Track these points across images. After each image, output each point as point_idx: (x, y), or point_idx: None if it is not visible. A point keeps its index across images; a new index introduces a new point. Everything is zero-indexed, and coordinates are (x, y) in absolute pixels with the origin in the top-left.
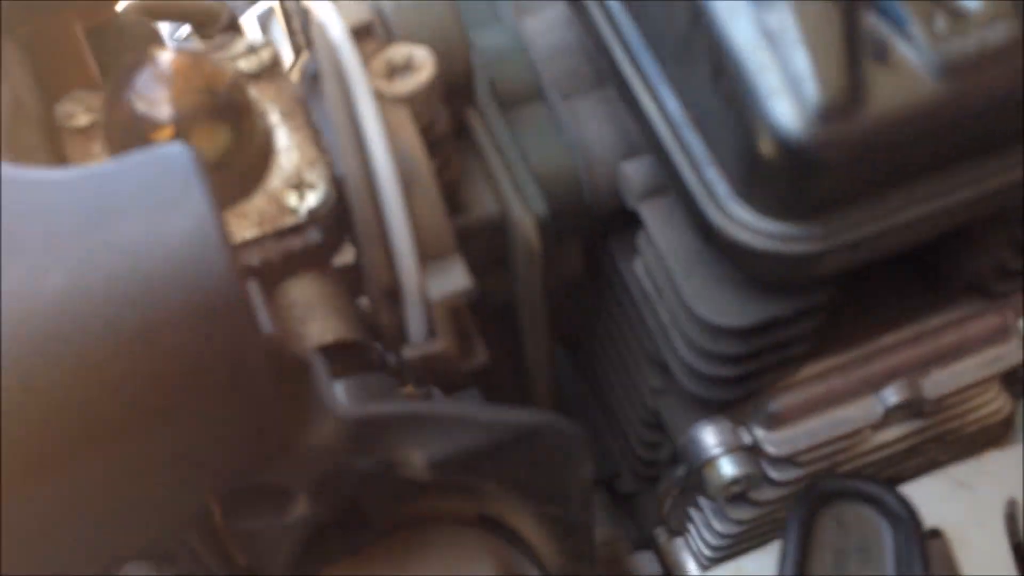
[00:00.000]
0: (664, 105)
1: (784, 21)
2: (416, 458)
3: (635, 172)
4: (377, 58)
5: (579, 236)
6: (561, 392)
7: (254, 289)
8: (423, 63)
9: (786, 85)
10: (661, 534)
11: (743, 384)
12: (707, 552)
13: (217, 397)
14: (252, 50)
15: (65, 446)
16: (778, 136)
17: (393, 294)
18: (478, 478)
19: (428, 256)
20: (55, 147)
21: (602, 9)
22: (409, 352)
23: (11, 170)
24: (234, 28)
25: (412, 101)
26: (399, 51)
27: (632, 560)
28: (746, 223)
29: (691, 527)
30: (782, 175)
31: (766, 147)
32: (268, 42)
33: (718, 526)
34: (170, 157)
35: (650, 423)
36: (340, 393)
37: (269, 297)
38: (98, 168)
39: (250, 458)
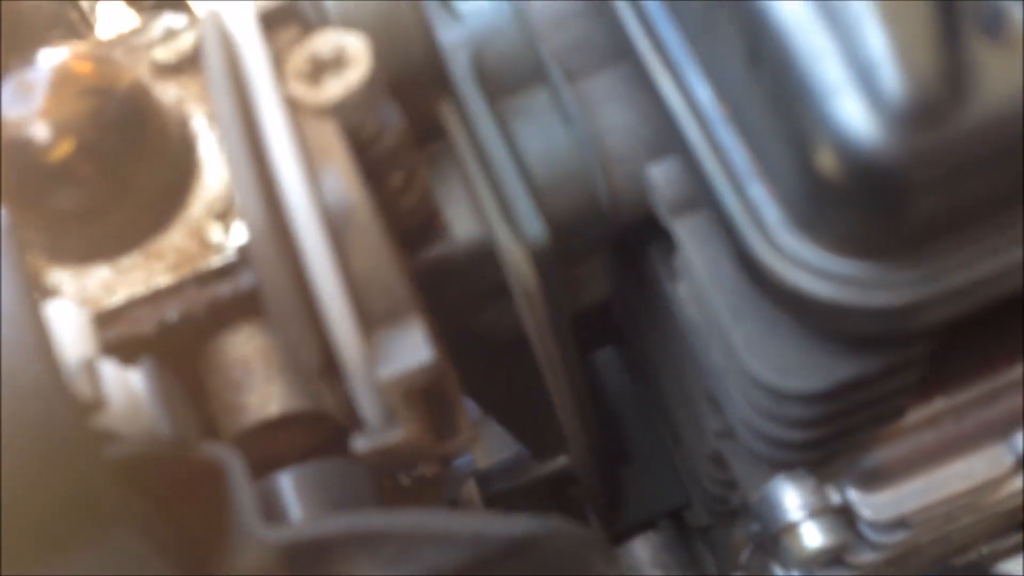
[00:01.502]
0: (692, 94)
1: None
2: None
3: (665, 179)
4: (296, 52)
5: (600, 252)
6: (611, 406)
7: (150, 368)
8: (357, 55)
9: (854, 77)
10: None
11: (821, 448)
12: None
13: (68, 545)
14: (171, 34)
15: None
16: (844, 148)
17: (331, 372)
18: None
19: (373, 321)
20: None
21: None
22: (360, 444)
23: None
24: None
25: (343, 109)
26: (326, 41)
27: None
28: (804, 262)
29: None
30: (853, 200)
31: (827, 163)
32: (191, 23)
33: None
34: None
35: (717, 460)
36: (286, 487)
37: (195, 359)
38: None
39: None
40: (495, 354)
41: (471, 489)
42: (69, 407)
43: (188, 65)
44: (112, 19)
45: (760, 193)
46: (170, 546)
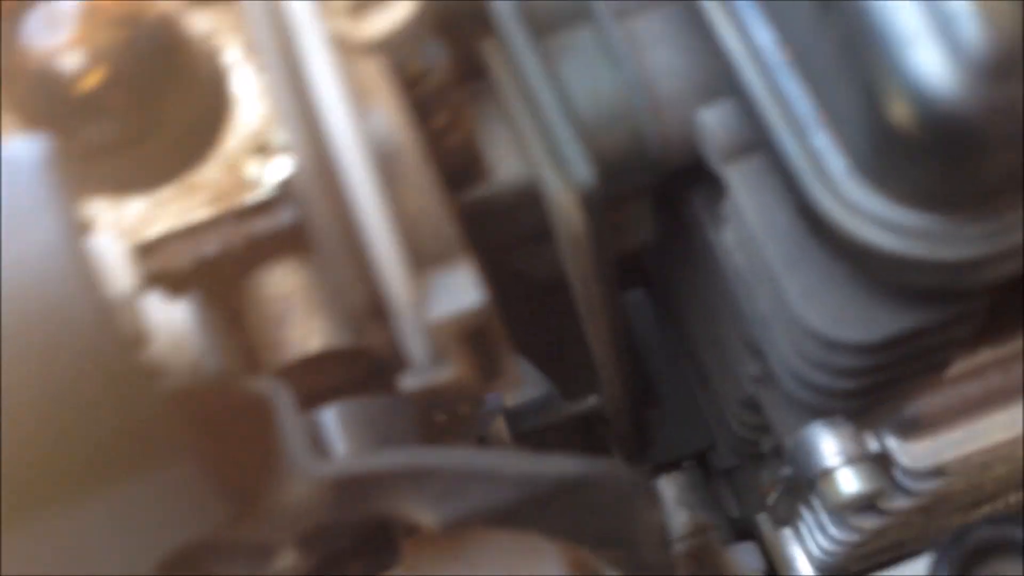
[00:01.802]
0: (753, 37)
1: None
2: (424, 516)
3: (718, 124)
4: None
5: (643, 196)
6: (638, 349)
7: (195, 302)
8: None
9: (932, 25)
10: (764, 522)
11: (866, 397)
12: (822, 557)
13: (118, 475)
14: None
15: None
16: (919, 99)
17: (378, 312)
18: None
19: (424, 262)
20: None
21: None
22: (409, 383)
23: None
24: None
25: (389, 46)
26: None
27: (729, 552)
28: (871, 213)
29: (803, 524)
30: (926, 152)
31: (901, 114)
32: None
33: (836, 532)
34: (13, 162)
35: (750, 405)
36: (331, 423)
37: (234, 295)
38: None
39: (194, 529)
40: (530, 294)
41: (500, 426)
42: (118, 340)
43: None
44: None
45: (825, 142)
46: (218, 478)
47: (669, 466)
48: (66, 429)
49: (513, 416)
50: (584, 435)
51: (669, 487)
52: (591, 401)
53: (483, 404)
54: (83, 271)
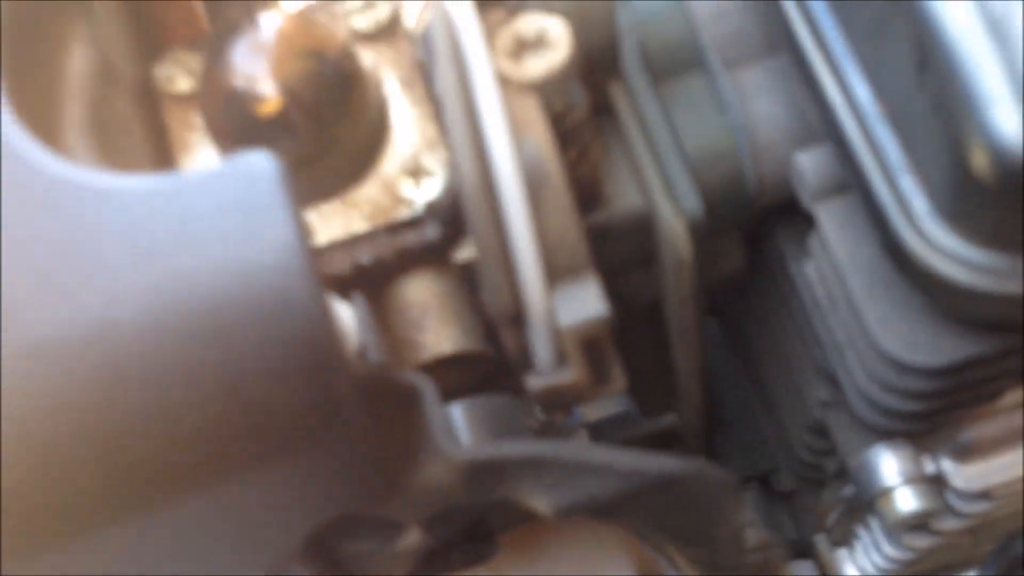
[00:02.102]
0: (852, 90)
1: (1012, 7)
2: (538, 503)
3: (812, 167)
4: (503, 31)
5: (739, 229)
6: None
7: (359, 303)
8: (558, 39)
9: (1011, 90)
10: (821, 541)
11: (930, 419)
12: (876, 573)
13: (305, 448)
14: (369, 5)
15: (133, 497)
16: (997, 155)
17: (517, 318)
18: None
19: (558, 275)
20: (152, 115)
21: None
22: (534, 382)
23: (80, 175)
24: None
25: (544, 86)
26: (530, 23)
27: (789, 569)
28: (949, 250)
29: (858, 544)
30: (999, 199)
31: (981, 166)
32: None
33: (889, 550)
34: (253, 172)
35: (816, 430)
36: (458, 417)
37: (379, 298)
38: (174, 181)
39: (348, 504)
40: (622, 315)
41: (582, 439)
42: (335, 332)
43: (384, 34)
44: None
45: (910, 185)
46: (373, 455)
47: None
48: (270, 403)
49: (594, 430)
50: (659, 451)
51: None
52: (668, 419)
53: (571, 415)
54: (312, 269)
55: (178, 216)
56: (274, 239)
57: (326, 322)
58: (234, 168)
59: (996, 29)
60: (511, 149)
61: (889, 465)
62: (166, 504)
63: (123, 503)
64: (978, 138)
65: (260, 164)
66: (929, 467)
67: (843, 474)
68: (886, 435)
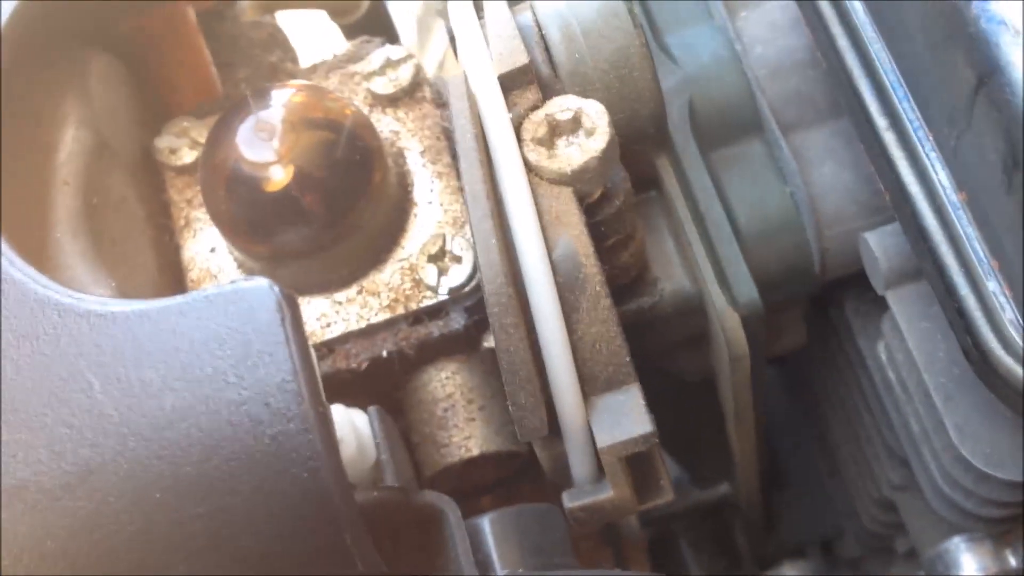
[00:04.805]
0: (929, 175)
1: None
2: None
3: (883, 252)
4: (534, 116)
5: (801, 303)
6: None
7: (376, 416)
8: (596, 122)
9: None
10: None
11: (1011, 523)
12: None
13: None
14: (390, 64)
15: None
16: None
17: (550, 432)
18: None
19: (595, 388)
20: (153, 191)
21: (848, 30)
22: (570, 502)
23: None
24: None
25: (581, 177)
26: (564, 105)
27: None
28: None
29: None
30: None
31: None
32: (409, 54)
33: None
34: (252, 298)
35: (885, 505)
36: (486, 530)
37: (400, 392)
38: (176, 304)
39: None
40: (674, 389)
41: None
42: (334, 469)
43: (405, 96)
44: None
45: (997, 290)
46: None
47: (794, 551)
48: (267, 553)
49: None
50: (712, 520)
51: (792, 572)
52: (722, 489)
53: None
54: (313, 409)
55: (171, 350)
56: (270, 382)
57: (327, 465)
58: (231, 298)
59: None
60: (542, 251)
61: (968, 561)
62: None
63: None
64: None
65: (258, 291)
66: (1012, 561)
67: (913, 555)
68: (964, 530)
